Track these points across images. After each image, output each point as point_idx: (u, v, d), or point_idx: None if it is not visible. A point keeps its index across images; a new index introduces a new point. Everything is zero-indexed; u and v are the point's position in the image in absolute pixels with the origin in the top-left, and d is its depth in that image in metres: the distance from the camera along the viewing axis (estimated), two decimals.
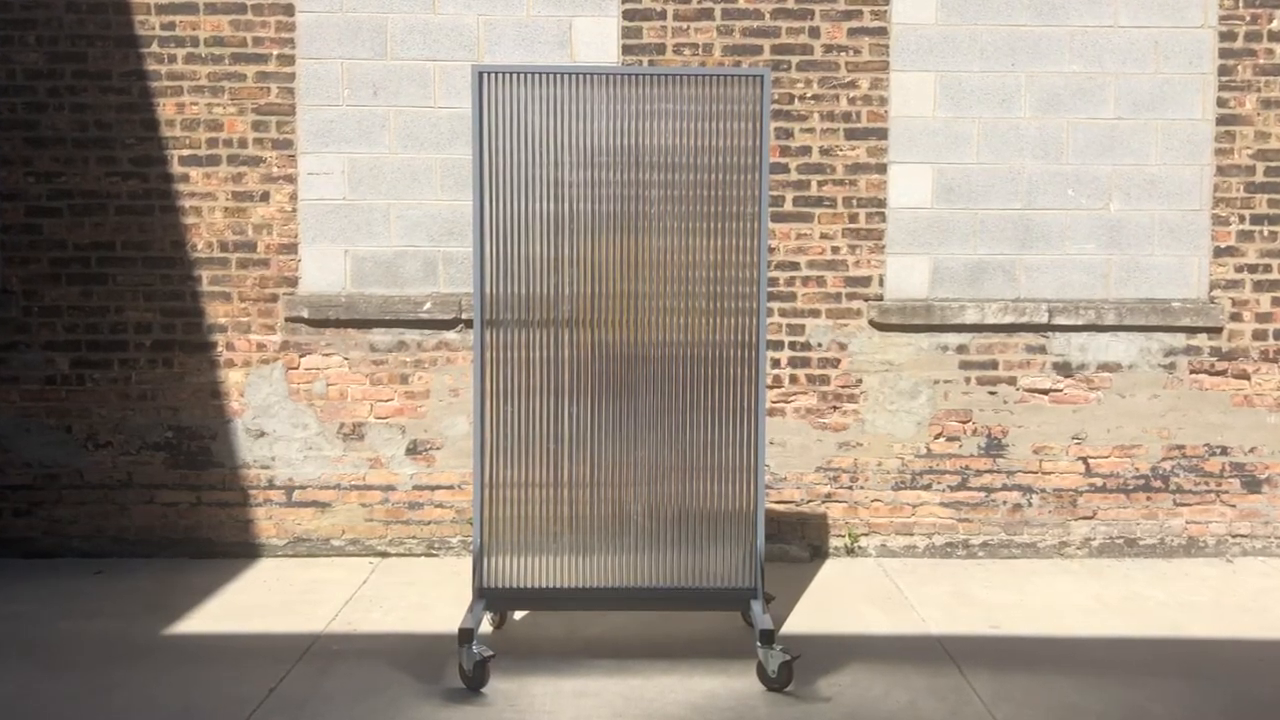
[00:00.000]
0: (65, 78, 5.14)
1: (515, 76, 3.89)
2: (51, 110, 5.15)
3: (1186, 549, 5.32)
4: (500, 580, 3.96)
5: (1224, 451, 5.30)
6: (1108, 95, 5.22)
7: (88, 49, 5.13)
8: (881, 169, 5.22)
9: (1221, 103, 5.22)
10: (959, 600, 4.67)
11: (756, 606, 3.93)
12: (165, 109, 5.16)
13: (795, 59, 5.18)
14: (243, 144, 5.18)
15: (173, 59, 5.15)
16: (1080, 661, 3.97)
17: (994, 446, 5.27)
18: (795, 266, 5.23)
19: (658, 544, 3.96)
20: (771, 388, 5.22)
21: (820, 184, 5.22)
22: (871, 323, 5.24)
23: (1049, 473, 5.28)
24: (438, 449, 5.26)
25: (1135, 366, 5.27)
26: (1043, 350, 5.26)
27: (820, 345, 5.26)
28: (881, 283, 5.26)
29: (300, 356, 5.23)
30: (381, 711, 3.53)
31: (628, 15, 5.16)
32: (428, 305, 5.20)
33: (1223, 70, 5.21)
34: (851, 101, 5.20)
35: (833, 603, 4.63)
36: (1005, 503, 5.30)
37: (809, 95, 5.20)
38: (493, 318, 3.92)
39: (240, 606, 4.57)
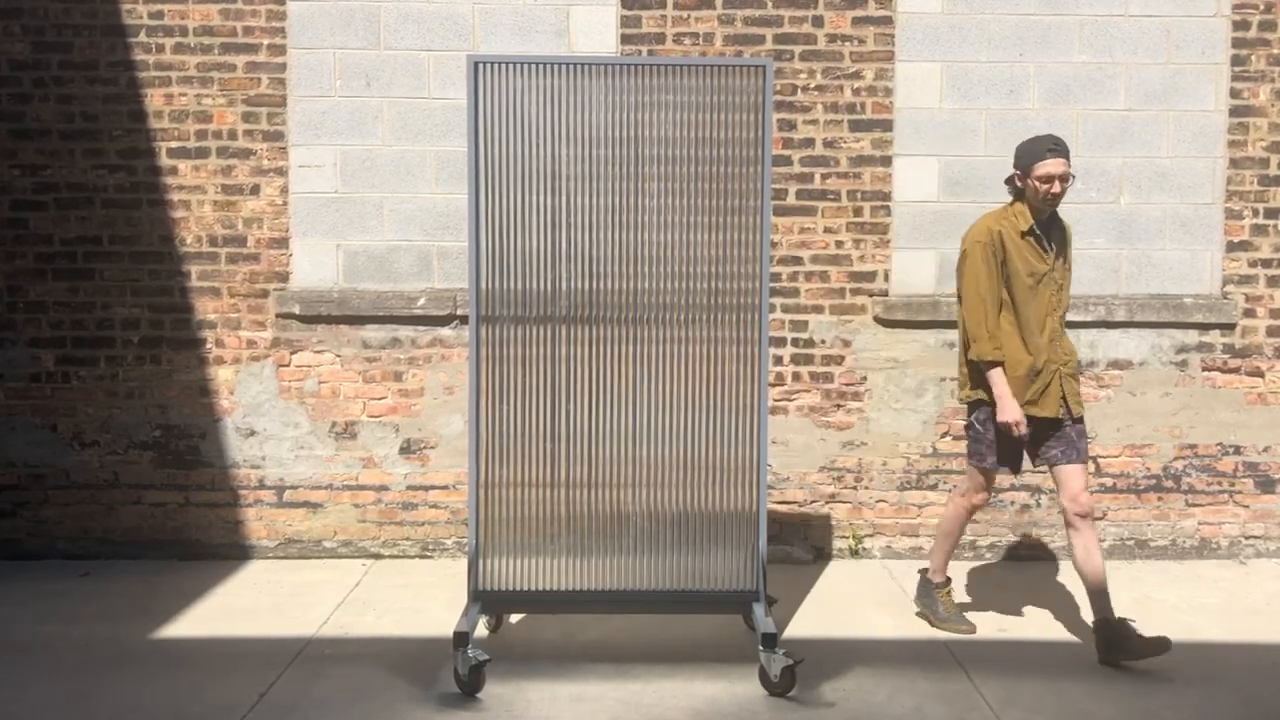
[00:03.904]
0: (51, 68, 5.05)
1: (512, 67, 3.84)
2: (37, 101, 5.06)
3: (1199, 550, 5.23)
4: (496, 583, 3.92)
5: (1237, 451, 5.22)
6: (1118, 86, 5.13)
7: (74, 39, 5.04)
8: (886, 161, 5.13)
9: (1235, 93, 5.13)
10: (966, 603, 4.59)
11: (759, 610, 3.89)
12: (153, 100, 5.07)
13: (798, 49, 5.09)
14: (232, 136, 5.09)
15: (161, 49, 5.05)
16: (1090, 665, 3.92)
17: None
18: (798, 261, 5.14)
19: (657, 546, 3.92)
20: (774, 385, 5.14)
21: (824, 177, 5.13)
22: (876, 319, 5.16)
23: None
24: (432, 448, 5.17)
25: (1146, 364, 5.18)
26: None
27: (824, 342, 5.17)
28: (887, 278, 5.17)
29: (291, 353, 5.15)
30: (375, 716, 3.48)
31: (626, 4, 5.07)
32: (422, 301, 5.11)
33: (1236, 60, 5.12)
34: (856, 92, 5.11)
35: (837, 606, 4.57)
36: (1013, 503, 5.21)
37: (812, 86, 5.11)
38: (488, 314, 3.87)
39: (230, 609, 4.51)
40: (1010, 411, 3.94)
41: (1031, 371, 3.96)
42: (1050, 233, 4.00)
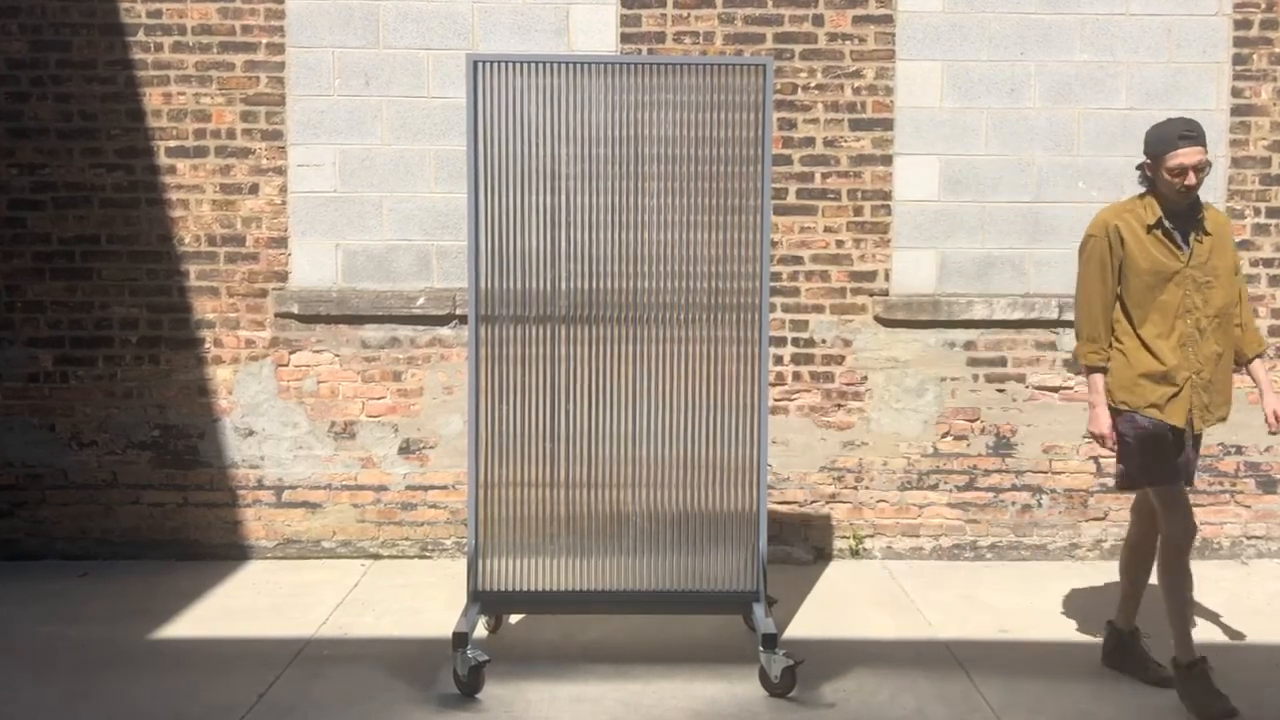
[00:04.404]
0: (49, 67, 5.03)
1: (511, 66, 3.83)
2: (35, 100, 5.04)
3: (1200, 551, 5.19)
4: (495, 583, 3.90)
5: (1239, 451, 5.20)
6: (1119, 85, 5.11)
7: (72, 37, 5.02)
8: (887, 160, 5.11)
9: (1236, 92, 5.11)
10: (967, 604, 4.59)
11: (759, 610, 3.87)
12: (151, 99, 5.05)
13: (799, 48, 5.08)
14: (231, 135, 5.07)
15: (159, 47, 5.04)
16: (1093, 666, 3.90)
17: (1003, 445, 5.17)
18: (799, 261, 5.12)
19: (657, 546, 3.90)
20: (774, 385, 5.12)
21: (824, 176, 5.11)
22: (877, 318, 5.14)
23: (1059, 472, 5.18)
24: (431, 448, 5.15)
25: None
26: (1053, 347, 5.15)
27: (824, 341, 5.16)
28: (887, 277, 5.15)
29: (290, 353, 5.13)
30: (374, 717, 3.47)
31: (626, 3, 5.06)
32: (421, 300, 5.09)
33: (1237, 59, 5.10)
34: (856, 91, 5.09)
35: (837, 606, 4.56)
36: (1014, 503, 5.20)
37: (813, 85, 5.09)
38: (488, 313, 3.86)
39: (228, 610, 4.49)
40: (1098, 422, 3.65)
41: (1156, 375, 3.56)
42: (1189, 226, 3.57)
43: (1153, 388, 3.57)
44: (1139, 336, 3.59)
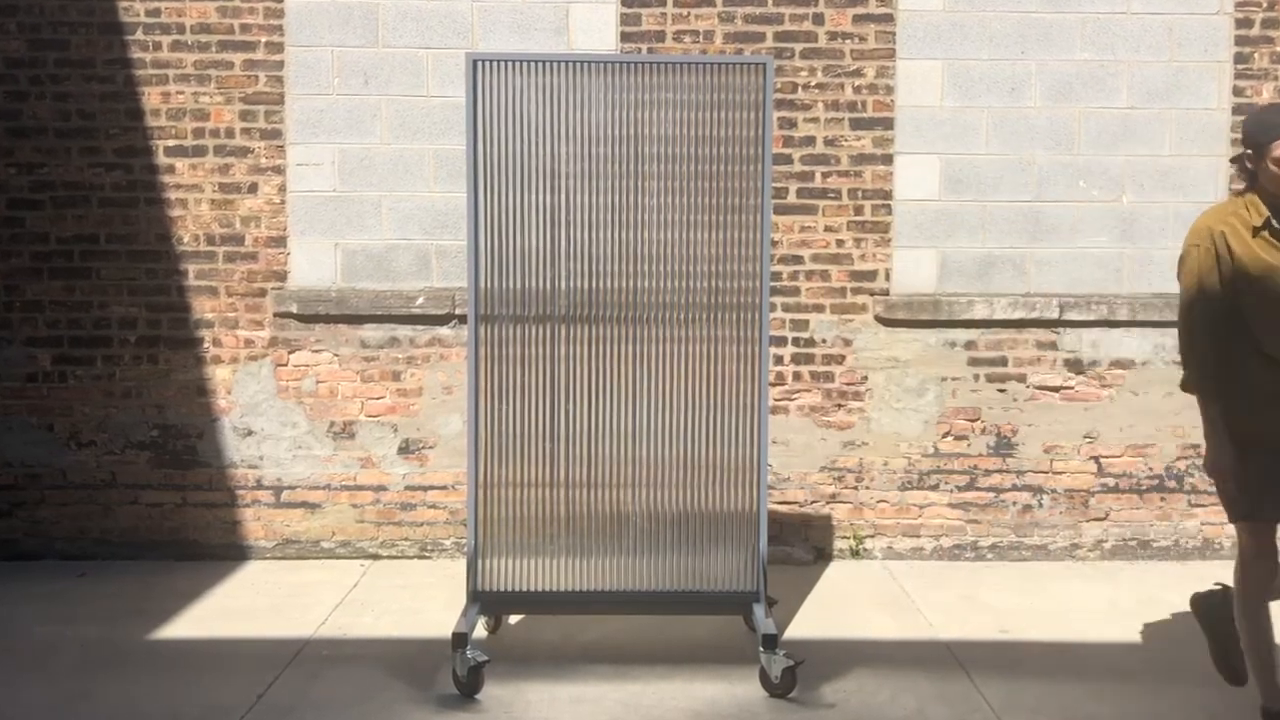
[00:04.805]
0: (47, 66, 5.02)
1: (511, 65, 3.83)
2: (33, 99, 5.03)
3: (1201, 551, 5.20)
4: (495, 583, 3.90)
5: None
6: (1120, 84, 5.10)
7: (70, 36, 5.01)
8: (888, 160, 5.10)
9: (1238, 91, 5.10)
10: (968, 604, 4.58)
11: (759, 610, 3.86)
12: (150, 98, 5.04)
13: (799, 47, 5.07)
14: (230, 134, 5.06)
15: (158, 46, 5.03)
16: (1094, 668, 3.90)
17: (1003, 446, 5.16)
18: (799, 260, 5.11)
19: (657, 546, 3.90)
20: (774, 385, 5.11)
21: (825, 175, 5.10)
22: (877, 318, 5.13)
23: (1060, 473, 5.17)
24: (431, 448, 5.14)
25: (1149, 363, 5.15)
26: (1053, 346, 5.14)
27: (824, 341, 5.15)
28: (888, 277, 5.14)
29: (289, 353, 5.12)
30: (373, 717, 3.47)
31: (626, 2, 5.05)
32: (420, 300, 5.08)
33: (1239, 58, 5.09)
34: (857, 90, 5.08)
35: (837, 607, 4.55)
36: (1015, 503, 5.19)
37: (813, 84, 5.08)
38: (487, 313, 3.85)
39: (227, 610, 4.48)
40: (1216, 455, 3.22)
41: (1275, 397, 3.16)
42: None
43: (1271, 410, 3.18)
44: (1259, 355, 3.18)
